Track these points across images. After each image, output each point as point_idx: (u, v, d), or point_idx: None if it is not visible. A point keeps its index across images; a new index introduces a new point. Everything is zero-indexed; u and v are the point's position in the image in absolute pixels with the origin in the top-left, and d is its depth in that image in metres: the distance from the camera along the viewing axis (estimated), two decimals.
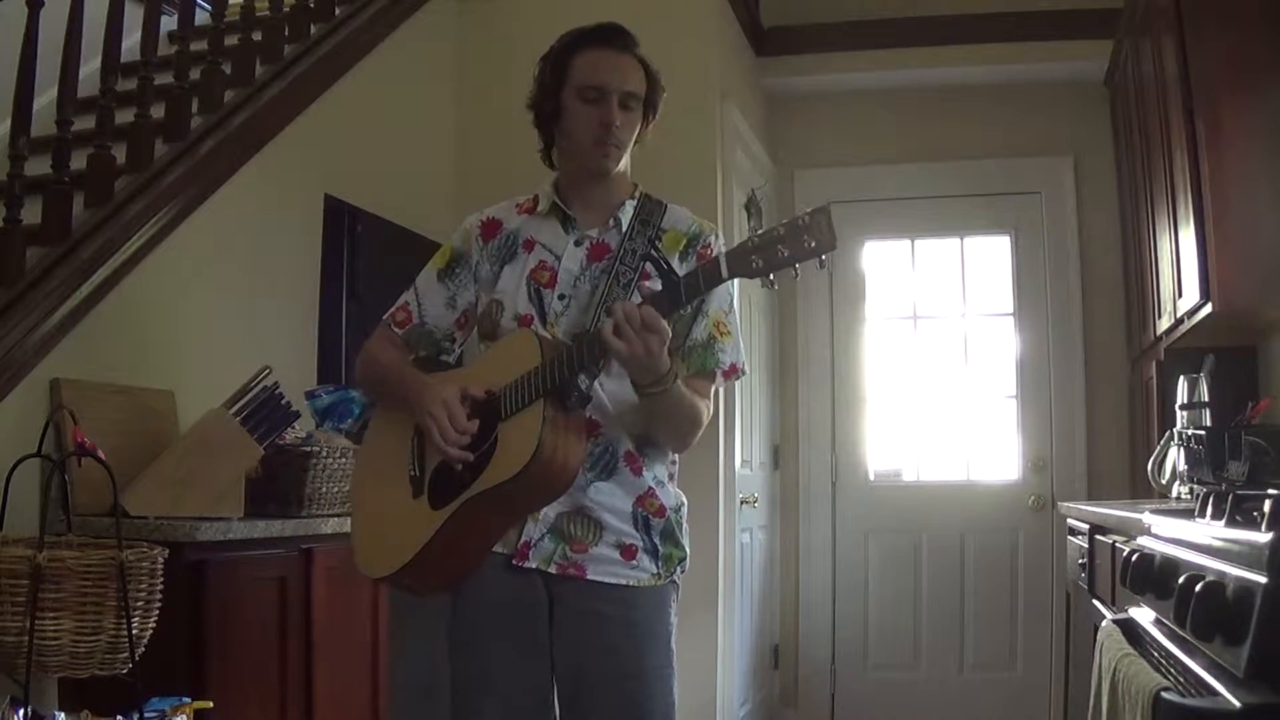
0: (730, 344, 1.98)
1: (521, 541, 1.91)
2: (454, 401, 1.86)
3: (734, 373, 2.00)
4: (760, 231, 1.75)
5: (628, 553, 1.93)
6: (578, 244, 1.99)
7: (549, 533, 1.91)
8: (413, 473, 1.95)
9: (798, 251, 1.69)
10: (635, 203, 2.03)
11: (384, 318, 2.11)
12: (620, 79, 1.96)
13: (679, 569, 2.00)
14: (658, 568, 1.96)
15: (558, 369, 1.79)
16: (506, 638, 1.93)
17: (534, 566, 1.91)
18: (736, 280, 1.81)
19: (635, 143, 2.04)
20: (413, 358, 2.07)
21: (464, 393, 1.87)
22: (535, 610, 1.93)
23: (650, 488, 1.95)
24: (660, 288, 1.77)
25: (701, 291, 1.78)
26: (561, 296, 1.96)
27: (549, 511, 1.90)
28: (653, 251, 1.83)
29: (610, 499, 1.92)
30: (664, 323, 1.72)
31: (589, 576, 1.91)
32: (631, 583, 1.93)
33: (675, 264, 1.94)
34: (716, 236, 2.05)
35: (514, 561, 1.91)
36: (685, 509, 2.03)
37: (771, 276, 1.72)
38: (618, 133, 1.95)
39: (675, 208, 2.07)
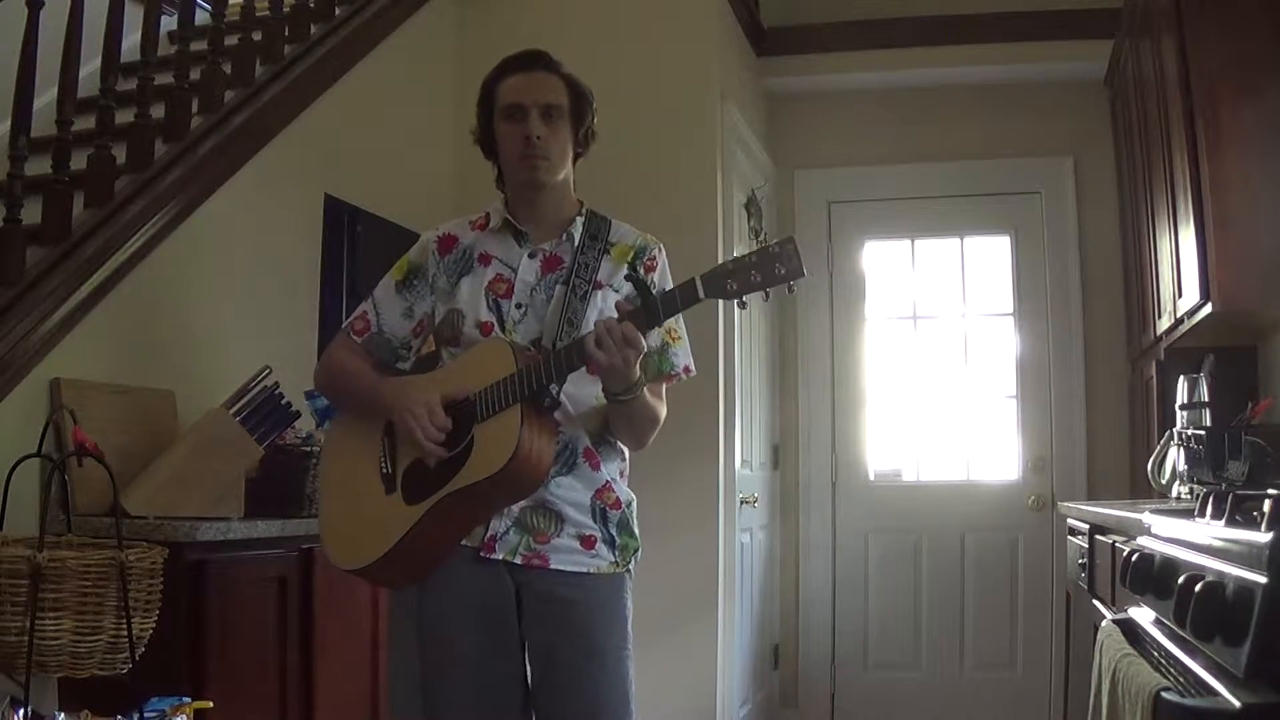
0: (681, 348, 2.14)
1: (488, 535, 2.01)
2: (435, 402, 1.98)
3: (686, 373, 2.15)
4: (734, 258, 1.89)
5: (587, 543, 2.05)
6: (531, 257, 2.12)
7: (513, 526, 2.02)
8: (385, 470, 2.06)
9: (769, 278, 1.85)
10: (584, 219, 2.15)
11: (343, 326, 2.22)
12: (536, 94, 2.09)
13: (634, 558, 2.13)
14: (615, 556, 2.08)
15: (536, 375, 1.92)
16: (478, 626, 2.02)
17: (500, 558, 2.01)
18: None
19: (578, 158, 2.17)
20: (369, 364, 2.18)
21: (444, 398, 1.99)
22: (504, 599, 2.02)
23: (608, 481, 2.09)
24: (638, 304, 1.89)
25: (679, 310, 1.92)
26: (519, 305, 2.08)
27: (513, 506, 2.01)
28: (636, 274, 1.96)
29: (570, 493, 2.04)
30: (642, 338, 1.87)
31: (552, 565, 2.03)
32: (591, 570, 2.05)
33: (624, 275, 2.10)
34: (660, 249, 2.19)
35: (481, 554, 2.01)
36: (635, 505, 2.15)
37: (744, 298, 1.87)
38: (540, 144, 2.07)
39: (619, 223, 2.20)
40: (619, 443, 2.13)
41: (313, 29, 3.64)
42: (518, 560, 2.01)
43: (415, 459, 1.99)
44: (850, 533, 4.98)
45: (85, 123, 2.92)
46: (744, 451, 4.41)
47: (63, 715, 2.15)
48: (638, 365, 1.91)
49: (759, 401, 4.74)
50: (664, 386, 2.13)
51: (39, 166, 2.78)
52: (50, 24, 2.72)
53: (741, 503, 4.30)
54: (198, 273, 3.03)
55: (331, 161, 3.59)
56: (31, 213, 2.64)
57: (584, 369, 1.93)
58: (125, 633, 2.15)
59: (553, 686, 2.02)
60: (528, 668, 2.05)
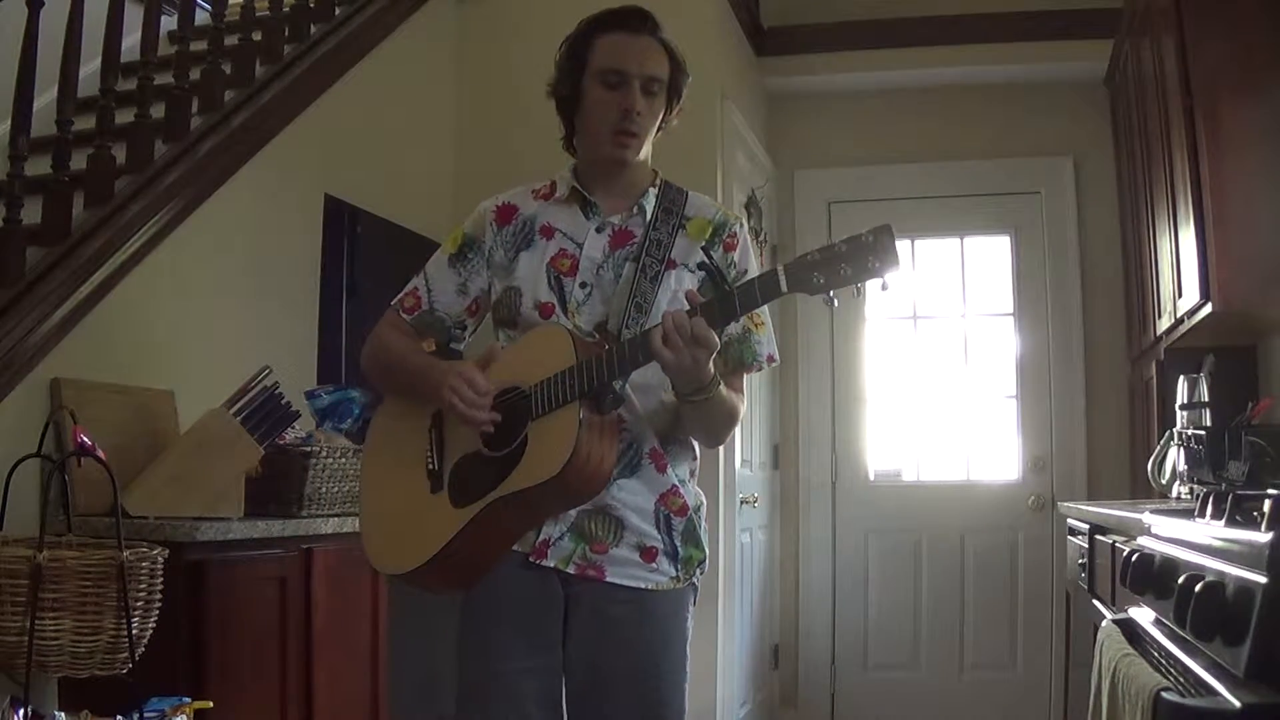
0: (765, 335, 1.95)
1: (540, 540, 1.85)
2: (470, 369, 1.81)
3: (770, 362, 1.97)
4: (821, 247, 1.70)
5: (648, 555, 1.88)
6: (599, 230, 1.93)
7: (569, 531, 1.86)
8: (431, 466, 1.89)
9: (860, 271, 1.67)
10: (657, 190, 1.98)
11: (392, 303, 2.04)
12: (642, 63, 1.90)
13: (698, 571, 1.95)
14: (677, 570, 1.91)
15: (597, 372, 1.73)
16: (519, 634, 1.87)
17: (552, 565, 1.86)
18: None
19: (660, 129, 1.99)
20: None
21: (483, 362, 1.84)
22: (550, 608, 1.88)
23: (674, 485, 1.91)
24: (712, 296, 1.72)
25: (758, 305, 1.73)
26: (583, 285, 1.90)
27: (570, 510, 1.85)
28: (709, 262, 1.76)
29: (633, 496, 1.87)
30: (714, 336, 1.68)
31: (607, 579, 1.86)
32: (649, 586, 1.88)
33: (696, 264, 1.91)
34: (741, 225, 2.00)
35: (531, 559, 1.86)
36: (704, 508, 1.98)
37: (832, 294, 1.67)
38: (639, 120, 1.89)
39: (697, 195, 2.02)
40: (690, 439, 1.95)
41: (313, 29, 3.64)
42: (571, 569, 1.85)
43: (464, 455, 1.83)
44: (850, 533, 4.98)
45: (85, 123, 2.92)
46: (744, 451, 4.41)
47: (63, 715, 2.15)
48: (710, 364, 1.71)
49: (759, 401, 4.73)
50: (745, 378, 1.94)
51: (39, 166, 2.78)
52: (50, 24, 2.72)
53: (741, 503, 4.30)
54: (198, 272, 3.02)
55: (331, 161, 3.59)
56: (31, 213, 2.64)
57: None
58: (125, 633, 2.15)
59: (594, 704, 1.87)
60: (564, 684, 1.90)
